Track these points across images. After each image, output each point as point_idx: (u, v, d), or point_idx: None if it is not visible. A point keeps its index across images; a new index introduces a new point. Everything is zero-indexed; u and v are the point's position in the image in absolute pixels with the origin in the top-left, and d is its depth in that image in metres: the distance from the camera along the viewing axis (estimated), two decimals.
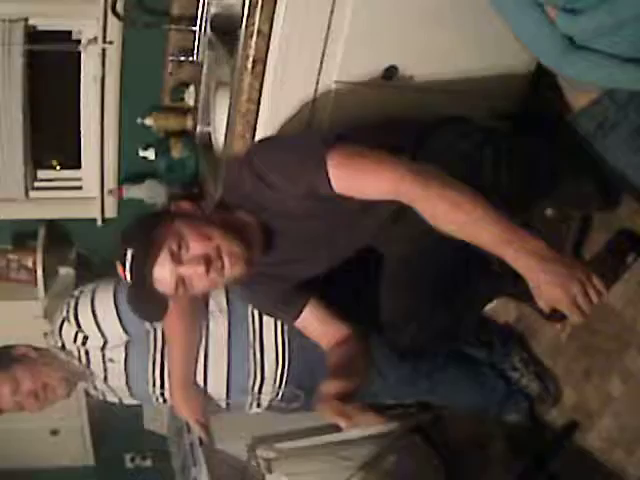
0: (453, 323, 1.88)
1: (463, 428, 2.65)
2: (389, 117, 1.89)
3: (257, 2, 1.82)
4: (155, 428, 3.19)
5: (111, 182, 2.89)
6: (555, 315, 1.54)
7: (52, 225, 2.97)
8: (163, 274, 1.54)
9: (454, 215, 1.45)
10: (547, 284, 1.39)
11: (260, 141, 1.89)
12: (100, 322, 1.97)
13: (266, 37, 1.86)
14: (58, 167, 3.04)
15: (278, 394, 2.09)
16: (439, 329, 1.84)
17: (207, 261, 1.54)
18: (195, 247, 1.55)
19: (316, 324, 1.88)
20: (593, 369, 2.19)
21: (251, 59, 1.87)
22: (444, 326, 1.84)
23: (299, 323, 1.89)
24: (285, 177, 1.59)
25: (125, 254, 1.54)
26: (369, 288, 1.85)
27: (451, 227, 1.47)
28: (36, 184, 2.97)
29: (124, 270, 1.56)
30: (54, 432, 3.27)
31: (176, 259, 1.54)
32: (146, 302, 1.62)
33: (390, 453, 2.62)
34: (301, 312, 1.86)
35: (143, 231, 1.57)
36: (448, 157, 1.62)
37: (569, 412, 2.28)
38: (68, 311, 2.00)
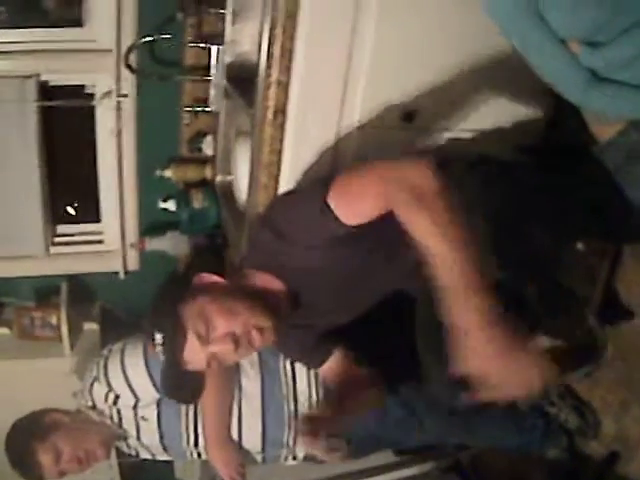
0: None
1: (502, 465, 2.61)
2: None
3: (274, 52, 1.83)
4: (187, 478, 3.15)
5: (132, 234, 2.89)
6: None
7: (74, 280, 2.97)
8: (193, 356, 1.52)
9: (428, 232, 1.36)
10: (482, 363, 1.27)
11: (276, 200, 1.86)
12: (131, 381, 1.96)
13: (285, 87, 1.86)
14: (74, 210, 3.03)
15: None
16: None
17: (235, 339, 1.51)
18: (221, 326, 1.51)
19: (340, 373, 1.85)
20: (630, 399, 2.15)
21: (272, 110, 1.86)
22: None
23: (324, 370, 1.87)
24: (303, 230, 1.56)
25: (153, 335, 1.53)
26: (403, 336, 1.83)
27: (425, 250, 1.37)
28: (56, 239, 2.97)
29: (154, 349, 1.54)
30: None
31: (204, 340, 1.51)
32: (181, 385, 1.61)
33: None
34: (325, 361, 1.84)
35: (168, 313, 1.54)
36: (479, 197, 1.59)
37: (609, 443, 2.24)
38: (98, 371, 2.00)
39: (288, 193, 1.80)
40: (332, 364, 1.85)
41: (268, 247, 1.62)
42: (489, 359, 1.25)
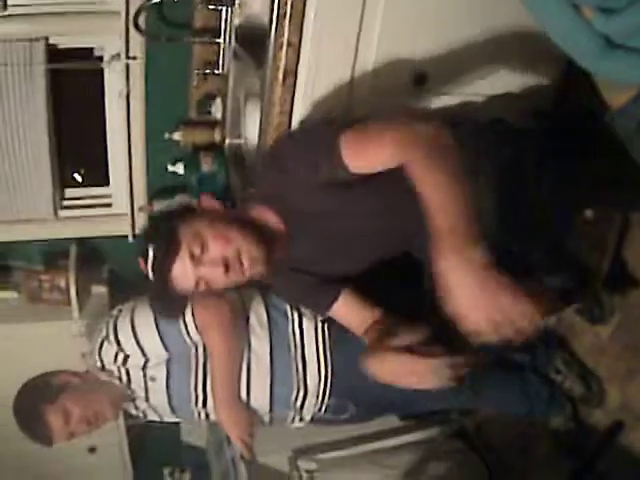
0: None
1: (506, 431, 2.63)
2: None
3: (285, 13, 1.81)
4: (193, 441, 3.18)
5: (141, 198, 2.89)
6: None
7: (83, 243, 2.98)
8: (182, 274, 1.56)
9: (429, 174, 1.41)
10: (456, 298, 1.30)
11: (284, 135, 1.89)
12: (141, 340, 1.96)
13: (296, 48, 1.85)
14: (81, 177, 3.04)
15: (322, 408, 2.07)
16: None
17: (226, 263, 1.55)
18: (214, 249, 1.56)
19: (350, 315, 1.85)
20: (636, 369, 2.16)
21: (282, 71, 1.86)
22: None
23: (332, 313, 1.86)
24: (306, 165, 1.59)
25: (147, 250, 1.57)
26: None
27: (418, 184, 1.41)
28: (65, 203, 2.97)
29: (146, 266, 1.58)
30: (92, 450, 3.25)
31: (195, 260, 1.55)
32: (165, 299, 1.65)
33: (434, 459, 2.61)
34: (333, 303, 1.83)
35: (165, 228, 1.59)
36: (491, 163, 1.60)
37: (614, 412, 2.25)
38: (107, 331, 2.00)
39: (295, 131, 1.83)
40: (341, 306, 1.83)
41: (271, 181, 1.68)
42: (479, 297, 1.29)
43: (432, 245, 1.33)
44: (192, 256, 1.55)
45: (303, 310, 2.05)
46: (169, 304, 1.69)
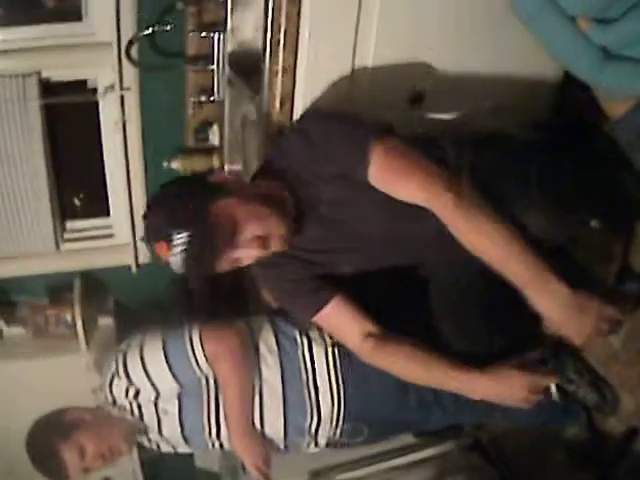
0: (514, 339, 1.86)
1: (521, 443, 2.61)
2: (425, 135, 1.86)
3: (279, 40, 1.81)
4: (208, 467, 3.16)
5: (142, 227, 2.84)
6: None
7: (86, 275, 2.97)
8: (217, 260, 1.53)
9: (484, 245, 1.51)
10: (562, 324, 1.51)
11: (320, 111, 1.82)
12: (151, 375, 1.95)
13: (291, 74, 1.86)
14: (81, 207, 3.01)
15: (336, 432, 2.06)
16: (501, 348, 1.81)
17: (259, 244, 1.54)
18: (251, 230, 1.53)
19: (339, 323, 1.80)
20: None
21: (278, 98, 1.86)
22: (505, 345, 1.81)
23: (320, 318, 1.80)
24: (327, 148, 1.60)
25: (169, 234, 1.50)
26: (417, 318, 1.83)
27: (478, 251, 1.52)
28: (66, 235, 2.96)
29: (168, 249, 1.51)
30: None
31: (232, 244, 1.52)
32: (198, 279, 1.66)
33: (449, 474, 2.59)
34: (323, 307, 1.77)
35: (197, 210, 1.51)
36: (495, 177, 1.61)
37: (628, 419, 2.24)
38: (117, 366, 1.99)
39: (330, 112, 1.75)
40: (331, 310, 1.78)
41: (291, 152, 1.66)
42: (582, 320, 1.49)
43: (520, 290, 1.50)
44: (227, 241, 1.52)
45: (312, 335, 2.04)
46: (198, 280, 1.70)
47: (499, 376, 1.68)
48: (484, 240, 1.50)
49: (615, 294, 1.69)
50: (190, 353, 1.94)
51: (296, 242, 1.70)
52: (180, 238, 1.49)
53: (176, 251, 1.50)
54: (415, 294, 1.84)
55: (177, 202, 1.57)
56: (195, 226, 1.50)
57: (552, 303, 1.48)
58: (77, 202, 3.02)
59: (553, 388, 1.77)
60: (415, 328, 1.77)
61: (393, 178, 1.57)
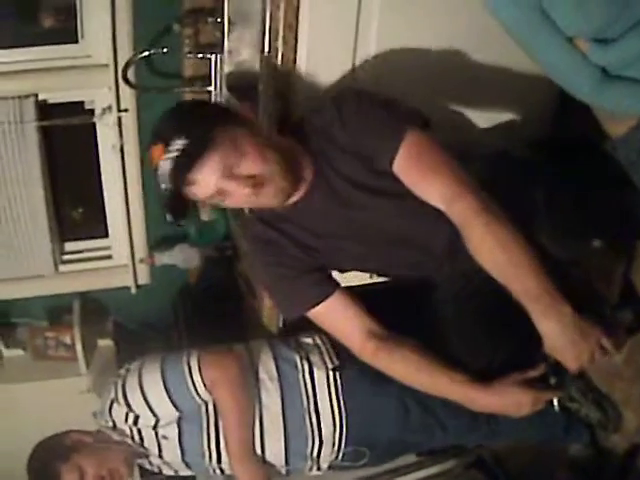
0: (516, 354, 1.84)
1: (525, 460, 2.60)
2: None
3: (275, 65, 1.82)
4: None
5: (141, 248, 2.88)
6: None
7: (86, 297, 2.97)
8: (206, 179, 1.45)
9: (497, 251, 1.48)
10: (561, 347, 1.49)
11: (361, 90, 1.73)
12: (150, 401, 1.94)
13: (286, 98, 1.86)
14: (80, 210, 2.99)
15: (338, 456, 2.05)
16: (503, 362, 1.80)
17: (254, 184, 1.47)
18: (248, 166, 1.47)
19: (342, 316, 1.71)
20: None
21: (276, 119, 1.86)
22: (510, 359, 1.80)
23: (315, 313, 1.72)
24: (360, 125, 1.58)
25: (170, 138, 1.44)
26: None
27: (488, 261, 1.50)
28: (65, 257, 2.96)
29: (163, 153, 1.44)
30: None
31: (226, 170, 1.46)
32: (174, 200, 1.51)
33: None
34: (323, 300, 1.69)
35: (201, 124, 1.47)
36: (499, 197, 1.58)
37: (631, 436, 2.23)
38: (116, 392, 1.98)
39: (373, 95, 1.68)
40: (331, 307, 1.70)
41: (324, 122, 1.62)
42: (581, 343, 1.48)
43: (524, 305, 1.48)
44: (224, 165, 1.45)
45: (313, 359, 2.02)
46: (172, 207, 1.54)
47: (501, 391, 1.65)
48: (498, 248, 1.47)
49: (614, 324, 1.67)
50: (189, 380, 1.92)
51: (300, 214, 1.66)
52: (178, 144, 1.43)
53: (169, 156, 1.43)
54: (418, 303, 1.83)
55: (191, 112, 1.57)
56: (196, 136, 1.44)
57: (555, 324, 1.46)
58: (76, 215, 3.00)
59: (555, 402, 1.76)
60: (416, 337, 1.74)
61: (419, 171, 1.55)
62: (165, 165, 1.44)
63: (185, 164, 1.43)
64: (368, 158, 1.59)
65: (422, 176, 1.56)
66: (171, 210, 1.55)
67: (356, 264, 1.80)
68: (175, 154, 1.43)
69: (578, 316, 1.48)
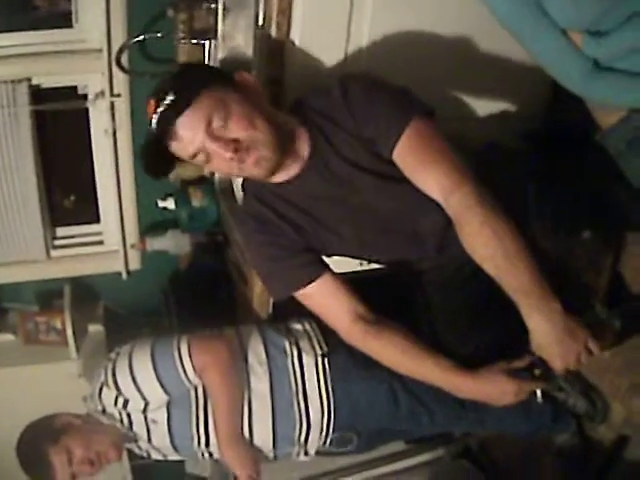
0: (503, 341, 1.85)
1: (512, 449, 2.62)
2: None
3: (271, 51, 1.82)
4: (198, 472, 3.16)
5: (132, 234, 2.87)
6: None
7: (76, 282, 2.96)
8: (189, 135, 1.48)
9: (493, 244, 1.48)
10: (548, 345, 1.52)
11: (367, 75, 1.74)
12: (139, 385, 1.95)
13: (279, 82, 1.88)
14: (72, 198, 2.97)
15: (326, 441, 2.06)
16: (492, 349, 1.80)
17: (236, 149, 1.48)
18: (234, 130, 1.49)
19: (331, 298, 1.72)
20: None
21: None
22: (497, 346, 1.81)
23: (303, 295, 1.72)
24: (364, 108, 1.58)
25: (163, 93, 1.48)
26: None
27: (483, 254, 1.50)
28: (56, 242, 2.95)
29: (155, 108, 1.49)
30: None
31: (209, 130, 1.47)
32: (154, 153, 1.56)
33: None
34: (312, 281, 1.69)
35: (193, 80, 1.51)
36: (492, 188, 1.59)
37: (619, 428, 2.24)
38: (106, 375, 1.99)
39: (381, 81, 1.69)
40: (321, 288, 1.70)
41: (328, 101, 1.63)
42: (568, 341, 1.50)
43: (514, 299, 1.49)
44: (209, 123, 1.47)
45: (302, 345, 2.03)
46: (155, 160, 1.58)
47: (487, 378, 1.67)
48: (494, 241, 1.48)
49: (602, 326, 1.67)
50: (178, 364, 1.93)
51: (294, 192, 1.67)
52: (168, 99, 1.47)
53: (159, 110, 1.48)
54: (406, 289, 1.86)
55: (187, 71, 1.63)
56: (183, 91, 1.47)
57: (545, 320, 1.47)
58: (67, 201, 2.98)
59: (539, 393, 1.77)
60: (404, 323, 1.76)
61: (419, 161, 1.56)
62: (155, 119, 1.50)
63: (169, 117, 1.47)
64: (370, 141, 1.60)
65: (421, 166, 1.56)
66: (148, 160, 1.59)
67: (346, 249, 1.79)
68: (163, 108, 1.47)
69: (567, 315, 1.49)
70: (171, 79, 1.54)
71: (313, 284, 1.70)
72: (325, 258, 1.77)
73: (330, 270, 1.73)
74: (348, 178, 1.64)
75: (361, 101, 1.59)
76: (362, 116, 1.59)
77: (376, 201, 1.67)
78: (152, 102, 1.51)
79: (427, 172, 1.56)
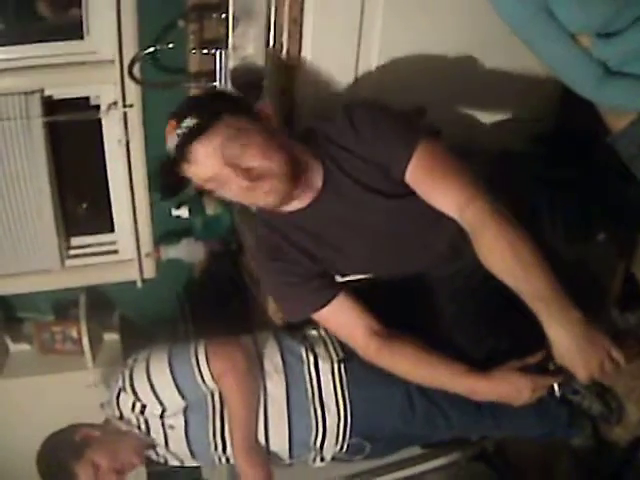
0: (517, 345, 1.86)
1: (528, 451, 2.62)
2: None
3: (280, 59, 1.83)
4: (215, 479, 3.16)
5: (147, 243, 2.90)
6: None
7: (92, 291, 2.98)
8: (204, 161, 1.50)
9: (509, 255, 1.49)
10: (571, 355, 1.49)
11: (372, 101, 1.78)
12: (157, 390, 1.95)
13: (290, 92, 1.90)
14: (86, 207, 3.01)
15: (342, 447, 2.06)
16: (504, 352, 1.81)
17: (253, 178, 1.50)
18: (250, 159, 1.50)
19: (345, 318, 1.75)
20: None
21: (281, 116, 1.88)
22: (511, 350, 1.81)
23: (325, 314, 1.75)
24: (371, 132, 1.60)
25: (184, 116, 1.50)
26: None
27: (499, 266, 1.50)
28: (71, 252, 2.97)
29: (174, 128, 1.51)
30: None
31: (225, 157, 1.49)
32: (169, 175, 1.57)
33: None
34: (330, 301, 1.73)
35: (213, 108, 1.53)
36: (501, 196, 1.60)
37: (634, 429, 2.24)
38: (124, 381, 1.99)
39: (385, 107, 1.71)
40: (335, 310, 1.73)
41: (334, 129, 1.65)
42: (590, 351, 1.47)
43: (534, 312, 1.48)
44: (225, 150, 1.49)
45: (318, 351, 2.03)
46: (169, 181, 1.59)
47: (501, 378, 1.67)
48: (510, 251, 1.49)
49: (624, 334, 1.67)
50: (196, 369, 1.94)
51: (307, 220, 1.69)
52: (188, 122, 1.49)
53: (178, 132, 1.50)
54: (419, 298, 1.86)
55: (210, 98, 1.65)
56: (204, 117, 1.50)
57: (565, 330, 1.46)
58: (82, 210, 3.01)
59: (556, 387, 1.75)
60: (414, 330, 1.77)
61: (431, 181, 1.57)
62: (172, 140, 1.52)
63: (187, 140, 1.49)
64: (381, 164, 1.62)
65: (434, 186, 1.58)
66: (162, 181, 1.62)
67: (360, 269, 1.82)
68: (182, 130, 1.49)
69: (588, 324, 1.48)
70: (193, 102, 1.59)
71: (326, 307, 1.74)
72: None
73: (343, 290, 1.75)
74: (361, 200, 1.66)
75: (367, 125, 1.61)
76: (371, 139, 1.61)
77: (389, 221, 1.69)
78: (172, 124, 1.53)
79: (440, 190, 1.58)
